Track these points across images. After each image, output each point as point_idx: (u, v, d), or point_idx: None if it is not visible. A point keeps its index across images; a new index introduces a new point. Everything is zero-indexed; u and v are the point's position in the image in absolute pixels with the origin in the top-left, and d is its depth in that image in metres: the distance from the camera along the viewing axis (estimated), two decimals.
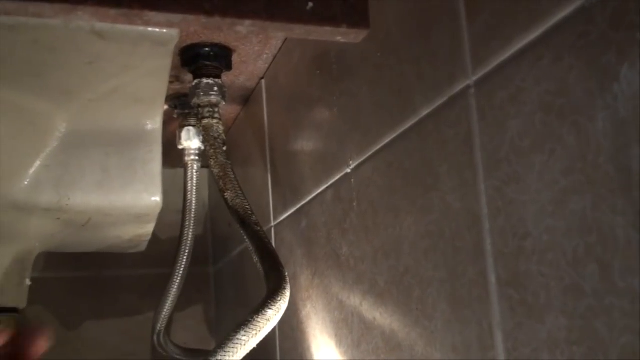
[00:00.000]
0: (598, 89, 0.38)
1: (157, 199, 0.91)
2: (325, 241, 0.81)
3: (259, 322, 0.71)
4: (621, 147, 0.37)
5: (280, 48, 0.95)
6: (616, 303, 0.37)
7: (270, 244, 0.86)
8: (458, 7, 0.53)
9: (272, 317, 0.72)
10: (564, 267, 0.41)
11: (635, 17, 0.35)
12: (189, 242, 1.09)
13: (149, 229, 1.00)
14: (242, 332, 0.70)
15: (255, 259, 0.84)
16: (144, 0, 0.58)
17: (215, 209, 1.45)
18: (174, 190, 1.18)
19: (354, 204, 0.72)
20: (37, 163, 0.86)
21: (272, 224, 1.02)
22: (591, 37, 0.39)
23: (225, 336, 0.70)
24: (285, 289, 0.76)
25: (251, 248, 0.85)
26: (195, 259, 1.12)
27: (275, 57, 0.98)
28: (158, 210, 0.93)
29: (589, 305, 0.39)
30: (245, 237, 0.86)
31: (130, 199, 0.90)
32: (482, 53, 0.50)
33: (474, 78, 0.51)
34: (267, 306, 0.72)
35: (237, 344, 0.70)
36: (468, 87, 0.52)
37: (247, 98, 1.14)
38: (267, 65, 1.01)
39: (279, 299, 0.74)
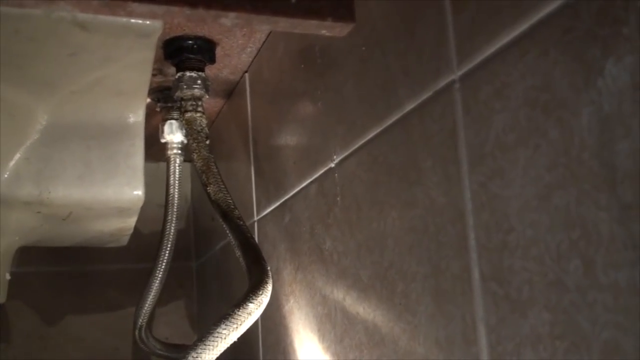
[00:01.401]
0: (583, 84, 0.39)
1: (139, 192, 0.90)
2: (308, 236, 0.81)
3: (240, 315, 0.71)
4: (605, 142, 0.37)
5: (264, 41, 0.95)
6: (599, 298, 0.37)
7: (253, 238, 0.86)
8: (444, 1, 0.53)
9: (253, 311, 0.72)
10: (548, 262, 0.42)
11: (620, 13, 0.35)
12: (171, 236, 1.08)
13: (130, 223, 0.99)
14: (223, 326, 0.69)
15: (238, 253, 0.84)
16: None
17: (198, 203, 1.44)
18: (156, 184, 1.17)
19: (338, 198, 0.72)
20: (17, 156, 0.85)
21: (255, 218, 1.01)
22: (576, 32, 0.39)
23: (206, 330, 0.70)
24: (267, 282, 0.75)
25: (233, 242, 0.85)
26: (178, 253, 1.12)
27: (259, 50, 0.97)
28: (140, 204, 0.92)
29: (572, 300, 0.39)
30: (227, 231, 0.86)
31: (112, 192, 0.89)
32: (468, 48, 0.50)
33: (459, 73, 0.51)
34: (249, 300, 0.72)
35: (217, 337, 0.69)
36: (453, 81, 0.52)
37: (231, 91, 1.13)
38: (250, 59, 1.00)
39: (260, 292, 0.74)
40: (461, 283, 0.51)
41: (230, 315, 0.70)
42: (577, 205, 0.39)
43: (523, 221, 0.44)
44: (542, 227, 0.42)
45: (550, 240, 0.41)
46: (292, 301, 0.86)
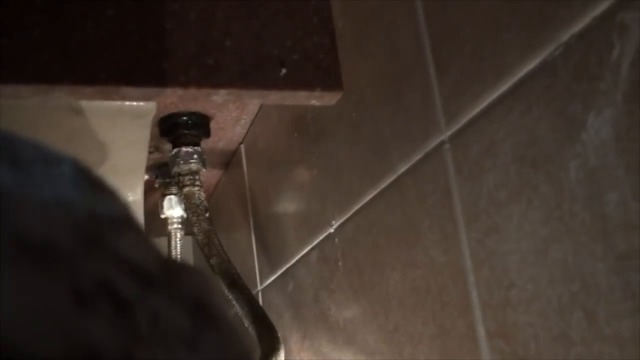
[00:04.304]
0: (567, 139, 0.39)
1: None
2: (313, 303, 0.80)
3: None
4: (595, 194, 0.37)
5: (257, 113, 0.96)
6: (605, 350, 0.37)
7: (260, 307, 0.86)
8: (427, 64, 0.54)
9: None
10: (551, 316, 0.42)
11: (596, 69, 0.37)
12: None
13: None
14: None
15: (247, 323, 0.83)
16: (118, 76, 0.59)
17: None
18: None
19: (339, 263, 0.72)
20: None
21: (259, 288, 1.01)
22: (556, 89, 0.40)
23: None
24: (278, 349, 0.75)
25: (241, 312, 0.84)
26: None
27: (252, 121, 0.99)
28: None
29: (578, 353, 0.39)
30: (234, 302, 0.86)
31: None
32: (454, 108, 0.51)
33: (448, 133, 0.52)
34: None
35: None
36: (442, 142, 0.52)
37: (228, 163, 1.14)
38: (245, 130, 1.02)
39: None
40: (468, 342, 0.50)
41: None
42: (574, 258, 0.39)
43: (523, 276, 0.44)
44: (542, 281, 0.42)
45: (551, 294, 0.41)
46: None
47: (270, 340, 0.79)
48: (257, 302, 0.86)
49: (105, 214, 0.20)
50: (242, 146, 1.07)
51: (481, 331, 0.49)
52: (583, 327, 0.39)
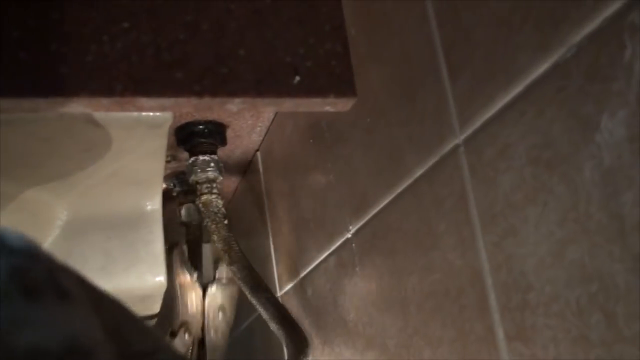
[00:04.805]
0: (582, 140, 0.39)
1: (160, 278, 0.91)
2: (332, 308, 0.80)
3: None
4: (610, 194, 0.37)
5: (272, 120, 0.97)
6: (625, 351, 0.37)
7: (285, 308, 0.86)
8: (440, 69, 0.54)
9: None
10: (570, 318, 0.41)
11: (608, 70, 0.37)
12: None
13: (154, 308, 1.00)
14: None
15: (272, 326, 0.84)
16: (134, 87, 0.60)
17: None
18: None
19: (357, 268, 0.72)
20: None
21: (278, 294, 1.01)
22: (569, 91, 0.40)
23: None
24: (307, 348, 0.77)
25: (266, 316, 0.85)
26: None
27: (268, 129, 1.00)
28: (163, 290, 0.93)
29: (598, 355, 0.39)
30: (257, 307, 0.86)
31: (134, 280, 0.90)
32: (468, 112, 0.51)
33: (462, 137, 0.52)
34: None
35: None
36: (457, 145, 0.53)
37: (245, 170, 1.15)
38: (261, 138, 1.02)
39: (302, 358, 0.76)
40: (487, 345, 0.50)
41: None
42: (591, 259, 0.39)
43: (540, 278, 0.44)
44: (560, 282, 0.42)
45: (570, 295, 0.41)
46: None
47: (298, 340, 0.80)
48: (282, 304, 0.86)
49: (37, 348, 0.14)
50: (258, 153, 1.08)
51: (500, 334, 0.49)
52: (602, 328, 0.39)
